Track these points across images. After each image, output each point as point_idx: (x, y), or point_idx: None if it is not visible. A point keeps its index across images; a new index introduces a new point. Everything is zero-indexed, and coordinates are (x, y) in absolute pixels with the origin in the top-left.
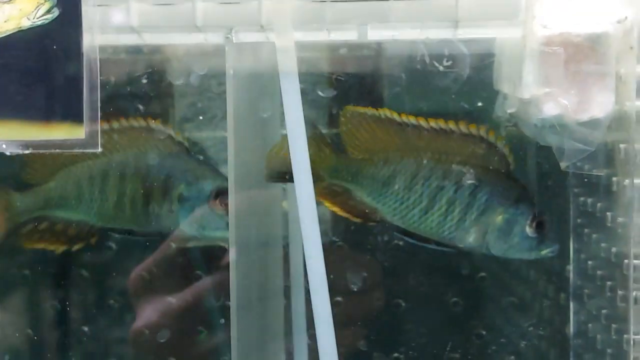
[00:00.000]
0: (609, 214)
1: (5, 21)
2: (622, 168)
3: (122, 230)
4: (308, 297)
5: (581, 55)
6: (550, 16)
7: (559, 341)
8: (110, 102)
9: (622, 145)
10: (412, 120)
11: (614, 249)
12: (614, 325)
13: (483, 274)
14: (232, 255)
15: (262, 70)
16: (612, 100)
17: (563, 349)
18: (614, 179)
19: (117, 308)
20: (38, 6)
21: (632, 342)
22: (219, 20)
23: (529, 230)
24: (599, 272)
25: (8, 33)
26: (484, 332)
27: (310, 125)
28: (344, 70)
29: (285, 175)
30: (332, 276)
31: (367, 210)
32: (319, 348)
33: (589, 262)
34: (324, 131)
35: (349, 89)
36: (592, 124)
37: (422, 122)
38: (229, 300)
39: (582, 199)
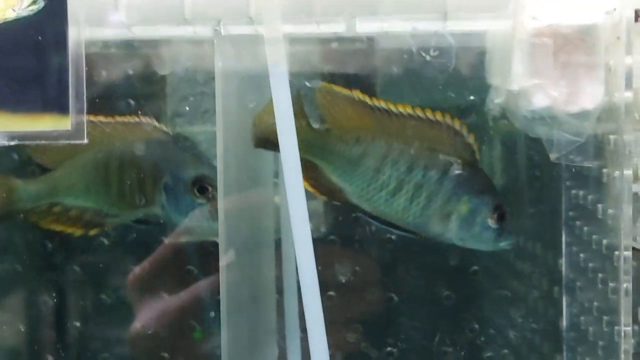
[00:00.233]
0: (599, 206)
1: None
2: (612, 159)
3: (136, 220)
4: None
5: (570, 46)
6: (539, 7)
7: (551, 335)
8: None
9: (611, 137)
10: (382, 104)
11: (605, 241)
12: (605, 318)
13: (475, 267)
14: (222, 253)
15: (250, 63)
16: (602, 91)
17: (556, 342)
18: (604, 170)
19: None
20: None
21: (623, 333)
22: (208, 12)
23: (490, 222)
24: (590, 265)
25: None
26: (476, 326)
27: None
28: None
29: (273, 143)
30: (320, 267)
31: (333, 189)
32: (309, 340)
33: (581, 255)
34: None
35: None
36: (582, 115)
37: (391, 107)
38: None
39: (573, 191)
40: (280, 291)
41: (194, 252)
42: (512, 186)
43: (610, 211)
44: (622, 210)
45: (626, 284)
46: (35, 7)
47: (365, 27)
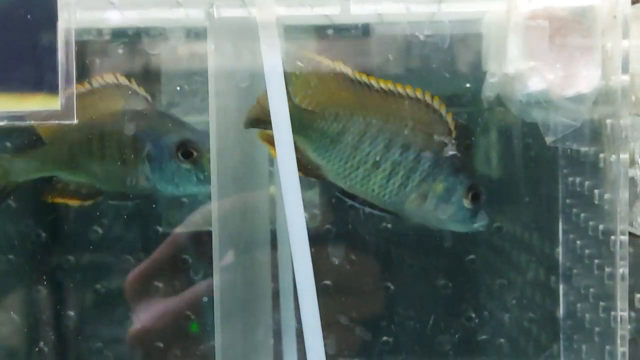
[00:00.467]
0: (596, 191)
1: None
2: (608, 144)
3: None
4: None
5: (566, 29)
6: None
7: (549, 322)
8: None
9: (608, 121)
10: (363, 78)
11: (601, 226)
12: (601, 303)
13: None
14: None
15: (243, 46)
16: (599, 74)
17: (553, 330)
18: (601, 155)
19: None
20: None
21: (619, 319)
22: None
23: (465, 202)
24: (587, 251)
25: None
26: (472, 315)
27: None
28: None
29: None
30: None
31: (310, 167)
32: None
33: (578, 242)
34: None
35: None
36: (578, 99)
37: (373, 81)
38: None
39: (570, 178)
40: (276, 292)
41: (194, 252)
42: (508, 173)
43: (606, 196)
44: (619, 195)
45: (622, 269)
46: None
47: (359, 9)
